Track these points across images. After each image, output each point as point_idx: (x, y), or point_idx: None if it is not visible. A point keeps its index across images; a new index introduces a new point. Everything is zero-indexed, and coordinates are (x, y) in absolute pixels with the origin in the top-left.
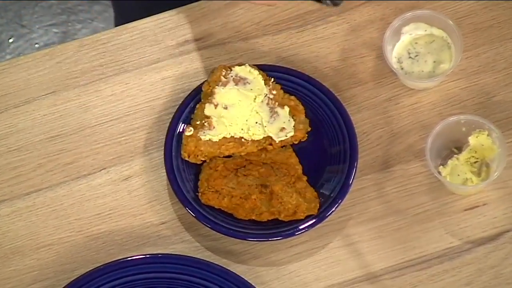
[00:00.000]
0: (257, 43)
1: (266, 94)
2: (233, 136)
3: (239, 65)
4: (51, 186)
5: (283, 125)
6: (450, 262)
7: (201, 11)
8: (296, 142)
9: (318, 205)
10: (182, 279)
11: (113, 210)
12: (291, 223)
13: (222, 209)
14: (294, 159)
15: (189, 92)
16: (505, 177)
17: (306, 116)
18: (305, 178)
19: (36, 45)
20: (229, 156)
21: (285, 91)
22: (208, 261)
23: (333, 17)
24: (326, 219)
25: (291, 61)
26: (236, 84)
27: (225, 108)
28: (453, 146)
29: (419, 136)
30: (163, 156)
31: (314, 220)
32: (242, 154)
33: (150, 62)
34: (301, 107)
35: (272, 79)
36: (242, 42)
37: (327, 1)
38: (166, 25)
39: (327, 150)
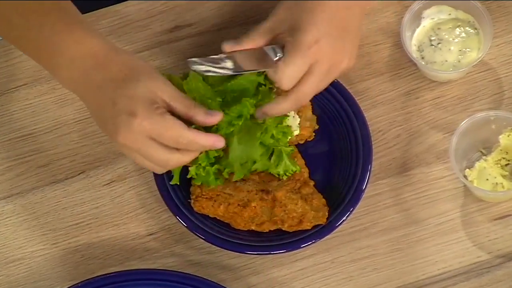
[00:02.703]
0: None
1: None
2: None
3: None
4: (22, 192)
5: (287, 122)
6: (477, 278)
7: None
8: (302, 142)
9: (326, 213)
10: None
11: (93, 219)
12: (296, 234)
13: (218, 218)
14: (300, 161)
15: None
16: None
17: (313, 113)
18: (312, 183)
19: None
20: None
21: None
22: (201, 278)
23: None
24: (336, 230)
25: None
26: None
27: None
28: (481, 147)
29: (442, 135)
30: None
31: (322, 231)
32: None
33: (136, 51)
34: (307, 102)
35: None
36: (240, 28)
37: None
38: (153, 8)
39: (337, 151)
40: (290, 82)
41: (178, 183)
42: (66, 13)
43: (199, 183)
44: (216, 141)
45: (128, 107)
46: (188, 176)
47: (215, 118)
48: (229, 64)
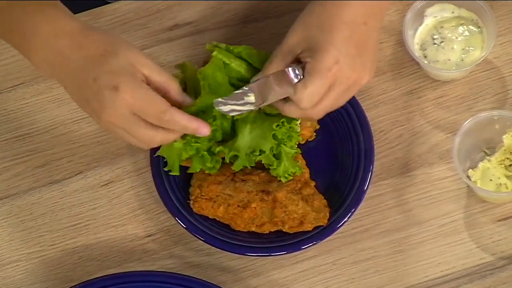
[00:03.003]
0: (258, 27)
1: None
2: None
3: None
4: (18, 193)
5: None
6: (481, 280)
7: None
8: (302, 142)
9: (328, 214)
10: None
11: (91, 220)
12: (296, 235)
13: (217, 219)
14: (301, 162)
15: None
16: None
17: None
18: (313, 183)
19: None
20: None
21: None
22: (201, 279)
23: None
24: (337, 231)
25: None
26: None
27: None
28: (484, 147)
29: (445, 135)
30: (148, 158)
31: (323, 232)
32: None
33: None
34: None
35: None
36: (240, 26)
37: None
38: (152, 6)
39: (339, 151)
40: (309, 103)
41: (178, 174)
42: None
43: (198, 170)
44: (201, 127)
45: (110, 82)
46: (181, 163)
47: (186, 100)
48: (252, 98)
